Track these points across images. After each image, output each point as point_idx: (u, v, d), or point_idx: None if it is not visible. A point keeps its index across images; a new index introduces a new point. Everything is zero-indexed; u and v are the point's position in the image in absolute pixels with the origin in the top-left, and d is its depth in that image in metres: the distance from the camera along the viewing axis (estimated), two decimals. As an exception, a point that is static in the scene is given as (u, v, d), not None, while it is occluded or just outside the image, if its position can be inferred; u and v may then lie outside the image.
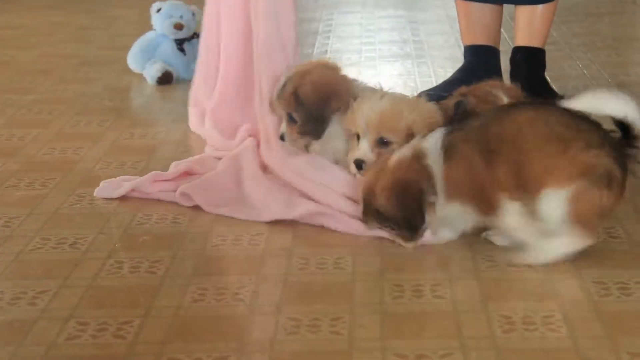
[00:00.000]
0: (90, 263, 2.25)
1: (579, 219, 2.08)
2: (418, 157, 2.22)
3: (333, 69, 2.65)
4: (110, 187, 2.66)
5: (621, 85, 3.61)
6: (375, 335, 1.89)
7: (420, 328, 1.92)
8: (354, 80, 2.66)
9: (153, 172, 2.68)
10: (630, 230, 2.31)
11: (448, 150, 2.19)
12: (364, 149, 2.44)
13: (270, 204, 2.49)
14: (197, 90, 3.20)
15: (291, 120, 2.60)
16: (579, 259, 2.17)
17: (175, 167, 2.73)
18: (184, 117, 3.30)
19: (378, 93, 2.53)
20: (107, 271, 2.21)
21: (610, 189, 2.07)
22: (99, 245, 2.34)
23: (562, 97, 2.90)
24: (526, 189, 2.10)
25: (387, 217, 2.25)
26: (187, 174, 2.72)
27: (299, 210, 2.42)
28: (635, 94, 3.51)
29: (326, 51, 4.34)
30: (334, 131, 2.57)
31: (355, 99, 2.51)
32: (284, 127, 2.64)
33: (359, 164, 2.43)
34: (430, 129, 2.32)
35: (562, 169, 2.07)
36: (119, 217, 2.51)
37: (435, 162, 2.21)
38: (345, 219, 2.39)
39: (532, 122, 2.13)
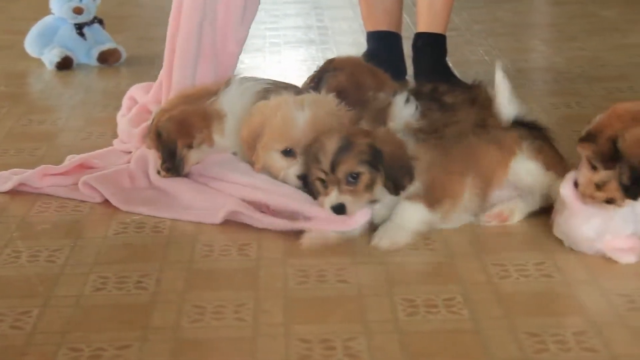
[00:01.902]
0: (-13, 253, 2.19)
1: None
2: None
3: (202, 97, 2.59)
4: (-2, 181, 2.55)
5: (520, 71, 3.68)
6: (280, 321, 1.89)
7: (325, 313, 1.93)
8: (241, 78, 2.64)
9: (42, 165, 2.58)
10: (528, 215, 2.35)
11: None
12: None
13: (192, 204, 2.42)
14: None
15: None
16: (479, 242, 2.22)
17: (70, 161, 2.64)
18: (85, 103, 3.24)
19: (287, 99, 2.44)
20: (3, 261, 2.16)
21: None
22: (-5, 235, 2.29)
23: (463, 82, 2.97)
24: None
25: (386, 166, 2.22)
26: (83, 167, 2.62)
27: (221, 214, 2.35)
28: (533, 80, 3.62)
29: (230, 36, 4.30)
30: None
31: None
32: (158, 163, 2.53)
33: (305, 179, 2.32)
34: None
35: None
36: (16, 206, 2.45)
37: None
38: (258, 215, 2.34)
39: None
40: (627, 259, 2.07)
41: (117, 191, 2.47)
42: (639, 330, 1.80)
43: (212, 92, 2.59)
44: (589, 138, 2.07)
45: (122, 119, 2.96)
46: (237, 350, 1.80)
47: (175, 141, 2.46)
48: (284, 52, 4.11)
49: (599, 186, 2.06)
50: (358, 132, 2.27)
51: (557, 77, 3.60)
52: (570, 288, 2.00)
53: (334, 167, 2.20)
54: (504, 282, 2.03)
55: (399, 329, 1.85)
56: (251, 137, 2.42)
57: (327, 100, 2.45)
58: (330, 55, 3.93)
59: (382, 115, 2.45)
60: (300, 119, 2.37)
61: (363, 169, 2.20)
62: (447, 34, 3.50)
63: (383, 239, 2.21)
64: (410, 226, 2.22)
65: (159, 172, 2.52)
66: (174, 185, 2.49)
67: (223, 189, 2.44)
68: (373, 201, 2.24)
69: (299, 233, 2.29)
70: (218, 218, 2.34)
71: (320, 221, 2.24)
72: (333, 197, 2.21)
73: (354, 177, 2.20)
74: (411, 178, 2.21)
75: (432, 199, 2.23)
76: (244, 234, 2.30)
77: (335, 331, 1.84)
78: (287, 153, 2.38)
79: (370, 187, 2.21)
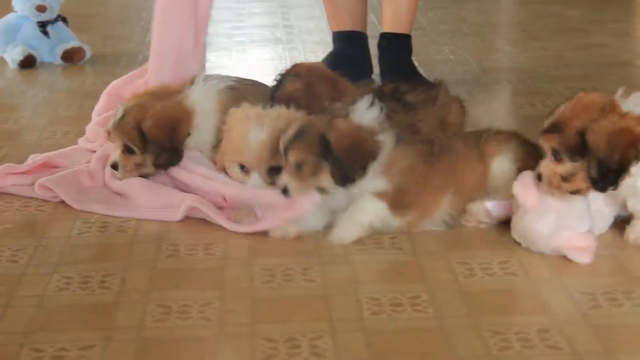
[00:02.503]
0: (-52, 253, 2.17)
1: None
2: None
3: (168, 95, 2.56)
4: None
5: (485, 70, 3.71)
6: (245, 320, 1.89)
7: (291, 312, 1.92)
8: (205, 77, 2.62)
9: (5, 164, 2.55)
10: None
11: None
12: (257, 182, 2.36)
13: (148, 203, 2.41)
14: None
15: (127, 150, 2.48)
16: (445, 241, 2.22)
17: (32, 159, 2.60)
18: (48, 101, 3.21)
19: (250, 113, 2.41)
20: (-35, 261, 2.14)
21: None
22: (-43, 235, 2.26)
23: (429, 82, 2.98)
24: None
25: (334, 156, 2.22)
26: (46, 166, 2.59)
27: (181, 211, 2.34)
28: (498, 79, 3.65)
29: (196, 35, 4.28)
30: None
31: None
32: (116, 156, 2.50)
33: (285, 191, 2.27)
34: None
35: None
36: (-21, 205, 2.43)
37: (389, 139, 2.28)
38: (216, 211, 2.34)
39: None
40: (583, 258, 2.08)
41: (71, 190, 2.45)
42: (601, 327, 1.82)
43: (176, 91, 2.58)
44: (554, 129, 2.05)
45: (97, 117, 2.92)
46: (202, 350, 1.79)
47: (171, 136, 2.44)
48: (250, 50, 4.11)
49: (564, 178, 2.06)
50: (317, 121, 2.28)
51: (521, 77, 3.63)
52: (534, 286, 2.02)
53: (285, 152, 2.24)
54: (469, 281, 2.04)
55: (365, 327, 1.85)
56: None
57: (293, 116, 2.41)
58: (297, 54, 3.95)
59: None
60: (255, 138, 2.36)
61: (308, 158, 2.22)
62: (413, 33, 3.51)
63: (334, 235, 2.22)
64: (365, 222, 2.22)
65: (114, 167, 2.49)
66: (129, 184, 2.47)
67: (182, 178, 2.44)
68: (321, 189, 2.24)
69: (265, 233, 2.29)
70: (177, 215, 2.34)
71: (270, 209, 2.26)
72: (282, 179, 2.25)
73: (298, 164, 2.23)
74: (363, 172, 2.21)
75: (398, 203, 2.24)
76: (210, 233, 2.29)
77: (301, 330, 1.84)
78: (242, 168, 2.39)
79: (315, 174, 2.23)
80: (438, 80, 2.73)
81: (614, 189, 2.02)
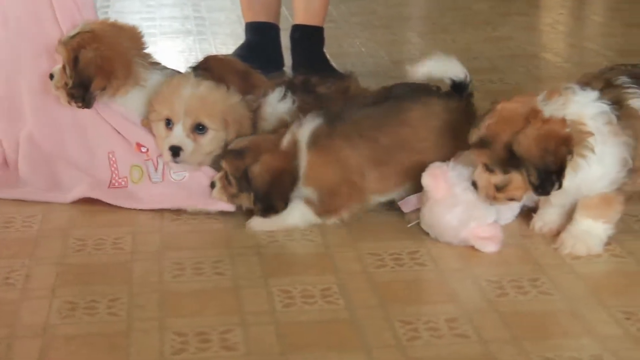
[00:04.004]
0: None
1: None
2: (295, 144, 2.25)
3: (131, 44, 2.52)
4: None
5: (396, 63, 3.73)
6: (154, 315, 1.86)
7: (201, 305, 1.91)
8: (148, 60, 2.58)
9: None
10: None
11: (313, 144, 2.24)
12: (180, 135, 2.34)
13: (39, 184, 2.39)
14: None
15: (65, 69, 2.44)
16: (356, 232, 2.23)
17: None
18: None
19: (186, 77, 2.42)
20: None
21: None
22: None
23: (340, 73, 2.99)
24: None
25: (255, 191, 2.24)
26: None
27: (72, 196, 2.35)
28: (408, 72, 3.67)
29: (104, 26, 4.21)
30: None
31: (137, 82, 2.45)
32: (57, 69, 2.44)
33: (176, 151, 2.32)
34: (239, 120, 2.35)
35: None
36: None
37: (302, 151, 2.24)
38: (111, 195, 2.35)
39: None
40: (489, 248, 2.12)
41: None
42: (507, 315, 1.85)
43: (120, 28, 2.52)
44: (482, 144, 2.06)
45: None
46: (110, 345, 1.76)
47: (92, 78, 2.39)
48: (160, 42, 4.05)
49: (499, 188, 2.09)
50: (253, 148, 2.26)
51: (431, 69, 3.66)
52: (442, 276, 2.04)
53: (222, 157, 2.31)
54: (380, 272, 2.05)
55: (276, 320, 1.85)
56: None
57: (227, 93, 2.42)
58: (208, 46, 3.92)
59: (253, 116, 2.44)
60: (186, 91, 2.35)
61: (234, 182, 2.27)
62: (325, 26, 3.51)
63: (256, 221, 2.25)
64: (288, 223, 2.25)
65: (51, 77, 2.43)
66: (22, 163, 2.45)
67: (105, 114, 2.42)
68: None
69: (176, 226, 2.27)
70: (68, 198, 2.36)
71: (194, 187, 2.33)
72: (216, 176, 2.32)
73: (227, 176, 2.28)
74: (284, 205, 2.24)
75: (324, 208, 2.25)
76: (119, 227, 2.26)
77: (211, 324, 1.83)
78: (168, 124, 2.36)
79: (240, 193, 2.28)
80: (349, 72, 2.74)
81: (559, 189, 2.04)
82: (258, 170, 2.22)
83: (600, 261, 2.08)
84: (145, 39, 2.52)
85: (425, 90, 2.37)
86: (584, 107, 2.04)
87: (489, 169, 2.08)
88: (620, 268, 2.06)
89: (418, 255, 2.12)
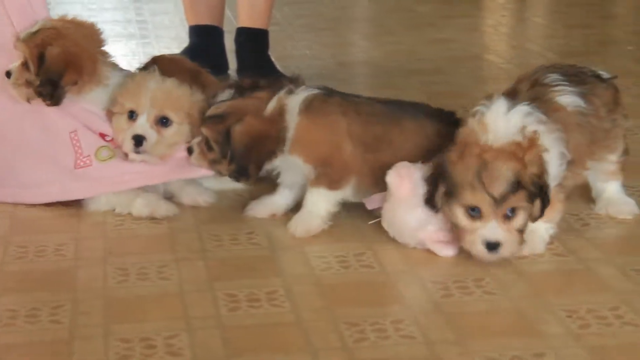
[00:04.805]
0: None
1: None
2: (281, 111, 2.24)
3: (92, 41, 2.50)
4: None
5: (341, 65, 3.74)
6: (98, 322, 1.84)
7: (146, 311, 1.89)
8: (108, 58, 2.55)
9: None
10: (348, 206, 2.38)
11: (306, 108, 2.24)
12: (143, 125, 2.32)
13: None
14: None
15: (26, 66, 2.41)
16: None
17: None
18: None
19: (151, 73, 2.41)
20: None
21: None
22: None
23: (287, 76, 2.98)
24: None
25: (232, 151, 2.23)
26: None
27: (37, 194, 2.33)
28: (353, 74, 3.69)
29: (46, 30, 4.16)
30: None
31: (107, 78, 2.43)
32: (14, 67, 2.41)
33: (139, 140, 2.31)
34: (202, 114, 2.34)
35: None
36: None
37: (292, 116, 2.24)
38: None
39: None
40: (446, 252, 2.12)
41: None
42: (452, 316, 1.86)
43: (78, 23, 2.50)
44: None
45: None
46: (53, 353, 1.74)
47: (61, 74, 2.36)
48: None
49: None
50: (236, 109, 2.26)
51: (376, 71, 3.69)
52: (388, 278, 2.05)
53: (202, 123, 2.30)
54: (326, 274, 2.05)
55: (221, 324, 1.84)
56: None
57: (192, 91, 2.42)
58: (151, 50, 3.89)
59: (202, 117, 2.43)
60: (153, 85, 2.35)
61: (215, 140, 2.26)
62: (270, 28, 3.51)
63: (298, 228, 2.24)
64: (320, 212, 2.24)
65: (8, 75, 2.40)
66: None
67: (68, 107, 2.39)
68: (218, 172, 2.31)
69: (119, 232, 2.25)
70: (26, 197, 2.35)
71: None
72: (193, 141, 2.32)
73: (207, 141, 2.27)
74: (257, 170, 2.23)
75: (330, 180, 2.23)
76: (61, 234, 2.23)
77: (157, 329, 1.81)
78: (131, 116, 2.35)
79: (218, 158, 2.27)
80: (295, 75, 2.73)
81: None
82: (240, 129, 2.22)
83: (543, 260, 2.10)
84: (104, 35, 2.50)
85: (435, 115, 2.32)
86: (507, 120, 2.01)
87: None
88: (563, 267, 2.08)
89: (364, 258, 2.12)
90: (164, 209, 2.34)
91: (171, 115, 2.35)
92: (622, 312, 1.85)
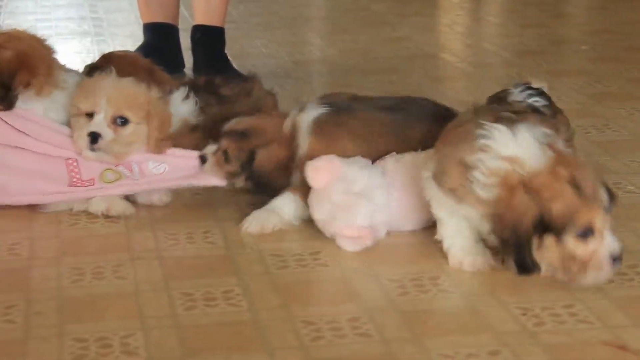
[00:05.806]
0: None
1: None
2: (295, 129, 2.27)
3: (43, 46, 2.47)
4: None
5: (297, 63, 3.75)
6: (53, 322, 1.82)
7: (101, 310, 1.88)
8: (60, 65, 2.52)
9: None
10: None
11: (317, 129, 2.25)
12: (100, 123, 2.30)
13: None
14: None
15: None
16: (252, 234, 2.23)
17: None
18: None
19: (107, 73, 2.39)
20: None
21: None
22: None
23: (242, 75, 2.98)
24: None
25: (254, 172, 2.27)
26: None
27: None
28: (309, 72, 3.70)
29: (-3, 27, 4.12)
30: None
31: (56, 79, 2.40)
32: None
33: (95, 137, 2.29)
34: (161, 114, 2.35)
35: None
36: None
37: (303, 136, 2.25)
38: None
39: None
40: (349, 247, 2.14)
41: None
42: (408, 314, 1.87)
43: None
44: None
45: None
46: (6, 354, 1.72)
47: (13, 75, 2.33)
48: (56, 44, 3.95)
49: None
50: (263, 129, 2.29)
51: (332, 70, 3.69)
52: (344, 276, 2.05)
53: (224, 134, 2.30)
54: (282, 273, 2.05)
55: (178, 323, 1.83)
56: None
57: (149, 89, 2.41)
58: (106, 47, 3.86)
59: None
60: (109, 85, 2.34)
61: (234, 157, 2.28)
62: (225, 26, 3.50)
63: (252, 224, 2.24)
64: (282, 214, 2.25)
65: None
66: None
67: (29, 130, 2.36)
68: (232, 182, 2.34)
69: (74, 231, 2.23)
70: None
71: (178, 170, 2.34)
72: (208, 149, 2.31)
73: (226, 153, 2.29)
74: (275, 193, 2.26)
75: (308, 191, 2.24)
76: (15, 233, 2.21)
77: (112, 328, 1.80)
78: (89, 116, 2.33)
79: (235, 170, 2.30)
80: (252, 74, 2.74)
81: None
82: (266, 156, 2.26)
83: (497, 259, 2.12)
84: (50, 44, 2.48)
85: (440, 114, 2.31)
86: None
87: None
88: (517, 264, 2.10)
89: (320, 256, 2.12)
90: (121, 206, 2.32)
91: (128, 114, 2.33)
92: (576, 310, 1.87)
